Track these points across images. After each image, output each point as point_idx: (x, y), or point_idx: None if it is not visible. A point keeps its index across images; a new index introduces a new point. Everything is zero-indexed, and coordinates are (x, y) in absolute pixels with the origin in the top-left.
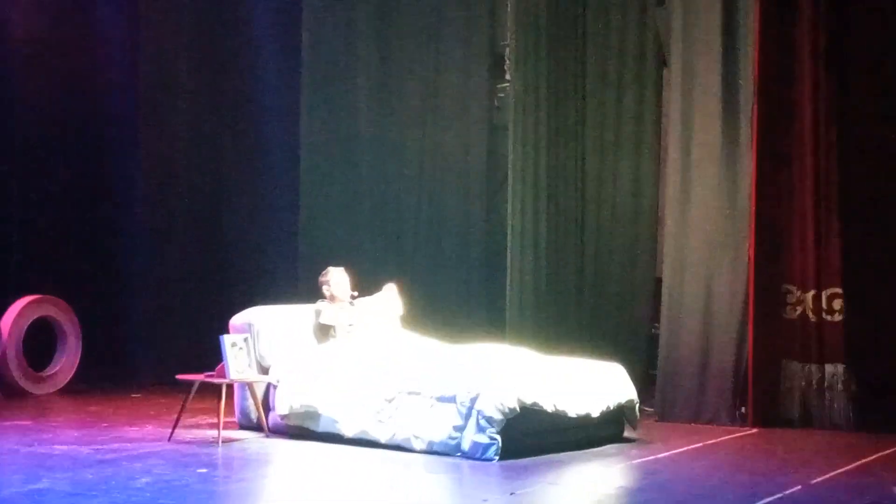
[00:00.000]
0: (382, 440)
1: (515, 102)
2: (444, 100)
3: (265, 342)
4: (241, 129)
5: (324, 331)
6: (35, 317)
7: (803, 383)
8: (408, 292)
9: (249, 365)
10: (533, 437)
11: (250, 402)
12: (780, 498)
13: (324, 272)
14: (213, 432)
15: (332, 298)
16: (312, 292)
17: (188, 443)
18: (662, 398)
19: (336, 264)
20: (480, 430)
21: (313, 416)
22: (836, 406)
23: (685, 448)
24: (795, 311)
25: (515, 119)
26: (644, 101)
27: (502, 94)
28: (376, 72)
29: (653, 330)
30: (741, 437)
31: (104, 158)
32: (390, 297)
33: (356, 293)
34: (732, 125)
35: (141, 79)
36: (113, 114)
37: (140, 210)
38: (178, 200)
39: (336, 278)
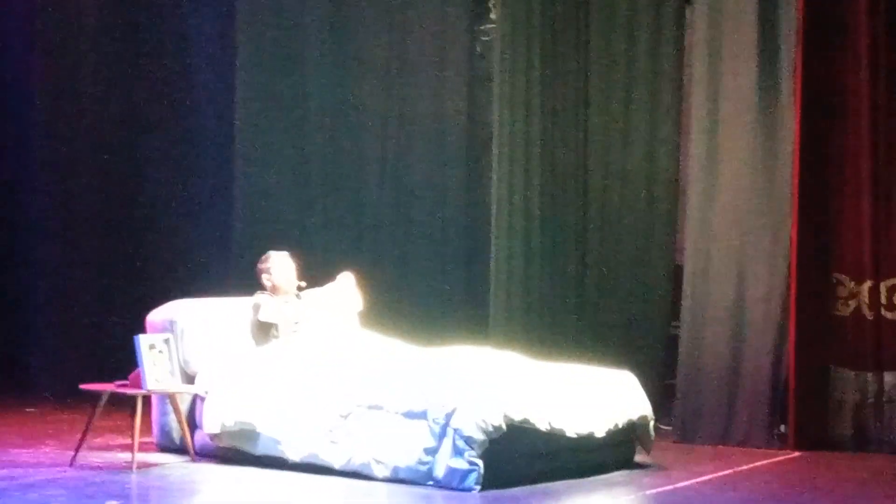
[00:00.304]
0: (336, 465)
1: (502, 48)
2: (412, 46)
3: (191, 344)
4: (161, 81)
5: (264, 330)
6: None
7: (857, 396)
8: (369, 283)
9: (171, 372)
10: (523, 461)
11: (172, 417)
12: None
13: (263, 257)
14: (126, 455)
15: (275, 290)
16: (249, 283)
17: (95, 468)
18: (683, 414)
19: (279, 248)
20: (457, 453)
21: (250, 435)
22: None
23: (710, 476)
24: (848, 306)
25: (502, 69)
26: (661, 45)
27: (486, 38)
28: (328, 11)
29: (671, 330)
30: (780, 462)
31: None
32: (346, 289)
33: (304, 283)
34: (771, 75)
35: (39, 26)
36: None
37: (36, 182)
38: (84, 171)
39: (279, 265)
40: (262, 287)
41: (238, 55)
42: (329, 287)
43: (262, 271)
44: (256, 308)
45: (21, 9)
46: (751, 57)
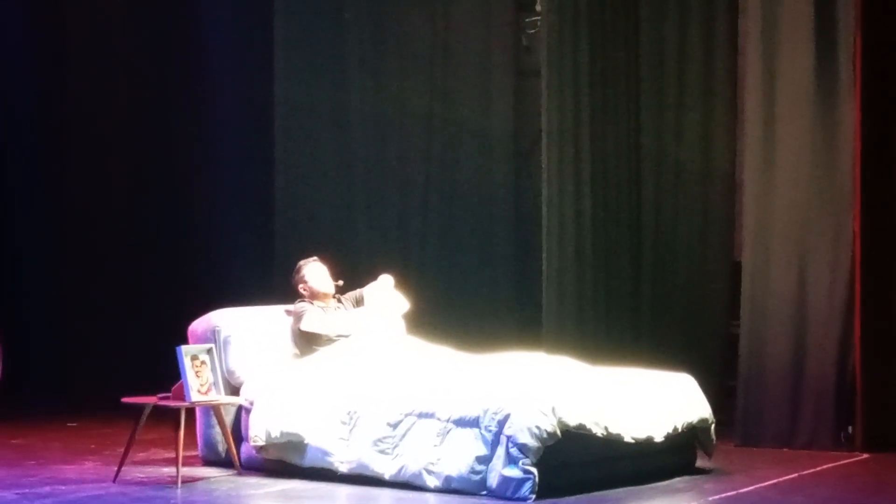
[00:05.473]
0: (387, 476)
1: (549, 40)
2: (457, 39)
3: (235, 354)
4: (199, 86)
5: (307, 338)
6: None
7: None
8: (415, 288)
9: (215, 383)
10: (579, 469)
11: (217, 430)
12: None
13: (295, 269)
14: (171, 470)
15: (314, 296)
16: (291, 289)
17: (139, 484)
18: (745, 416)
19: (323, 252)
20: (511, 461)
21: (298, 446)
22: None
23: (775, 480)
24: None
25: (549, 62)
26: (714, 33)
27: (532, 31)
28: (369, 6)
29: (732, 329)
30: (848, 464)
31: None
32: (386, 290)
33: (341, 282)
34: (828, 62)
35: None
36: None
37: (71, 195)
38: (122, 180)
39: (312, 272)
40: (300, 297)
41: (276, 56)
42: (369, 288)
43: (297, 282)
44: (298, 317)
45: (52, 10)
46: (807, 43)
